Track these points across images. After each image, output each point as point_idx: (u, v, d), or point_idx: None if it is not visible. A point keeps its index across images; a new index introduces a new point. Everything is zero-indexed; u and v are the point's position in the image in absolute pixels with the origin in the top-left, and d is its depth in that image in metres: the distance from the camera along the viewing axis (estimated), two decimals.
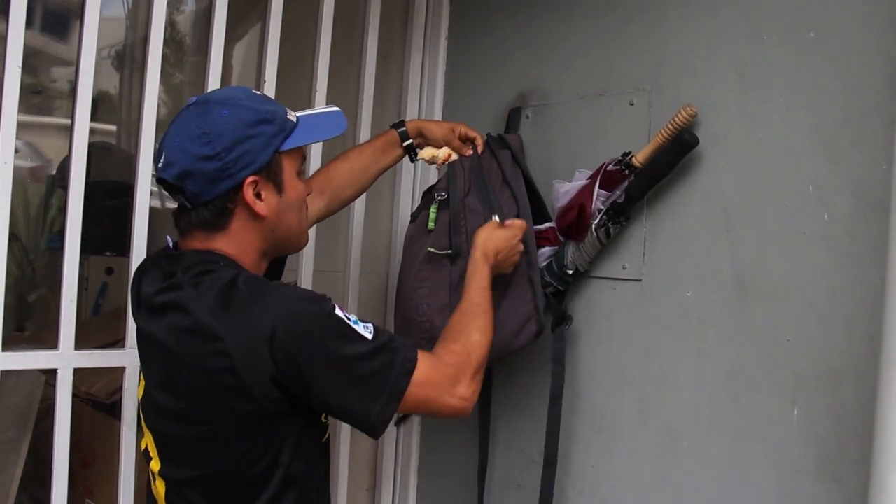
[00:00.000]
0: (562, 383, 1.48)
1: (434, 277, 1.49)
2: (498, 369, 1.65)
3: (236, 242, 1.14)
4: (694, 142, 1.28)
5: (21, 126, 1.44)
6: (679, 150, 1.30)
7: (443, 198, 1.53)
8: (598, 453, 1.46)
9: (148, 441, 1.17)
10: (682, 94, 1.34)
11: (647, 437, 1.38)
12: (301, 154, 1.21)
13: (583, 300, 1.51)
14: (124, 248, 1.71)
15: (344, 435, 1.86)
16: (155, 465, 1.16)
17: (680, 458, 1.32)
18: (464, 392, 1.13)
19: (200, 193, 1.10)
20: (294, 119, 1.18)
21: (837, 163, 1.14)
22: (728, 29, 1.29)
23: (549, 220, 1.51)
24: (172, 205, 1.20)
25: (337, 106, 1.29)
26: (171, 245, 1.18)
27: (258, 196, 1.12)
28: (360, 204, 1.86)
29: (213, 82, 1.66)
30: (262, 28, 1.76)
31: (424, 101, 1.93)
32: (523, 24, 1.68)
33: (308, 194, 1.25)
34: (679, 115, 1.29)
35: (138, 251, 1.60)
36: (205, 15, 2.16)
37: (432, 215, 1.53)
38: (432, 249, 1.49)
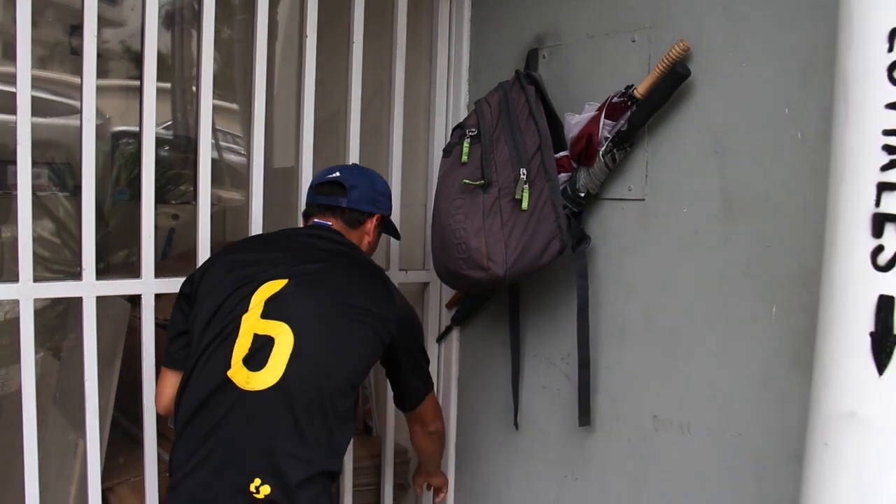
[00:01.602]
0: (587, 295, 1.66)
1: (468, 205, 1.67)
2: (525, 286, 1.85)
3: (357, 238, 1.65)
4: (686, 73, 1.44)
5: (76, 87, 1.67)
6: (673, 82, 1.45)
7: (473, 134, 1.71)
8: (610, 354, 1.66)
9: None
10: (676, 30, 1.48)
11: (651, 337, 1.57)
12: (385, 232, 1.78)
13: (596, 220, 1.69)
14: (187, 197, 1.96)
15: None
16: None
17: (679, 354, 1.51)
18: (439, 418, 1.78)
19: (357, 203, 1.63)
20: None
21: (809, 87, 1.28)
22: None
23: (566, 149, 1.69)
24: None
25: None
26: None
27: (376, 228, 1.67)
28: (397, 143, 2.06)
29: (261, 39, 1.85)
30: (302, 16, 1.95)
31: (453, 45, 2.09)
32: None
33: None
34: (673, 50, 1.44)
35: (204, 198, 1.84)
36: None
37: (465, 149, 1.71)
38: (467, 181, 1.67)
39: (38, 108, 1.79)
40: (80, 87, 1.70)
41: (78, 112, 1.72)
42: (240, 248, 1.63)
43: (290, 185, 2.10)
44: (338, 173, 1.66)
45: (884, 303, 0.94)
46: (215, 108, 1.87)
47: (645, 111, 1.50)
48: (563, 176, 1.66)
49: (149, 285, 1.78)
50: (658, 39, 1.52)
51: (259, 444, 1.37)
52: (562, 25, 1.76)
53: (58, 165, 4.04)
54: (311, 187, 1.70)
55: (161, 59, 1.75)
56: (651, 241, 1.56)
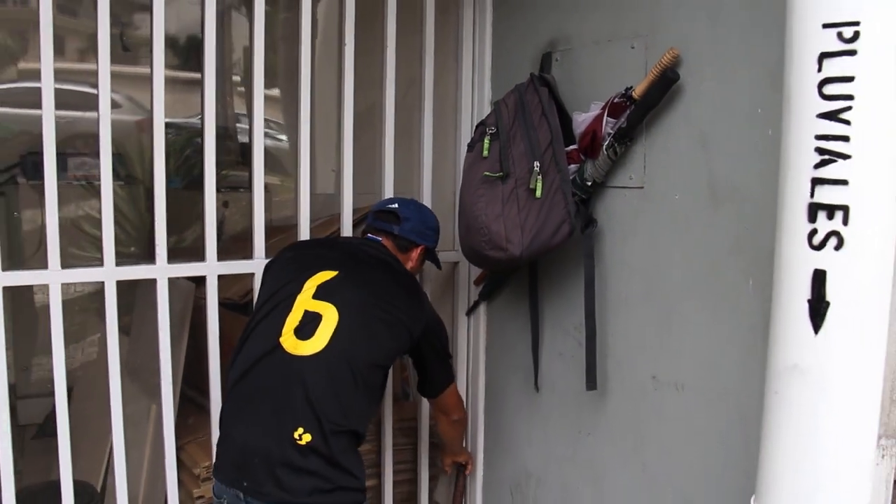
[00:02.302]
0: (593, 272, 1.89)
1: (489, 194, 1.90)
2: (542, 265, 2.07)
3: (405, 261, 1.97)
4: (675, 78, 1.64)
5: (116, 77, 1.92)
6: (664, 85, 1.66)
7: (493, 132, 1.93)
8: (615, 324, 1.88)
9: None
10: (669, 39, 1.68)
11: (650, 308, 1.78)
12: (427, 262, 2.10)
13: (601, 206, 1.90)
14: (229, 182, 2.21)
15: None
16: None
17: (674, 322, 1.73)
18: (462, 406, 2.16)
19: (406, 233, 1.96)
20: None
21: (776, 90, 1.47)
22: None
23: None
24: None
25: None
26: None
27: (419, 257, 2.00)
28: (428, 136, 2.29)
29: (305, 36, 2.09)
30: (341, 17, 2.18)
31: (476, 46, 2.31)
32: None
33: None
34: (664, 57, 1.65)
35: (258, 185, 2.09)
36: None
37: (486, 145, 1.94)
38: (487, 173, 1.90)
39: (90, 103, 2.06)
40: (149, 83, 1.97)
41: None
42: (303, 245, 1.98)
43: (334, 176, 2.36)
44: (396, 205, 2.01)
45: (817, 275, 1.15)
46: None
47: (641, 110, 1.71)
48: (573, 167, 1.88)
49: (212, 267, 2.05)
50: (653, 46, 1.72)
51: (301, 399, 1.63)
52: (571, 32, 1.97)
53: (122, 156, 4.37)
54: (371, 212, 2.04)
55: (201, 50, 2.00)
56: (649, 224, 1.78)
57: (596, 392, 1.89)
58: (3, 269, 1.81)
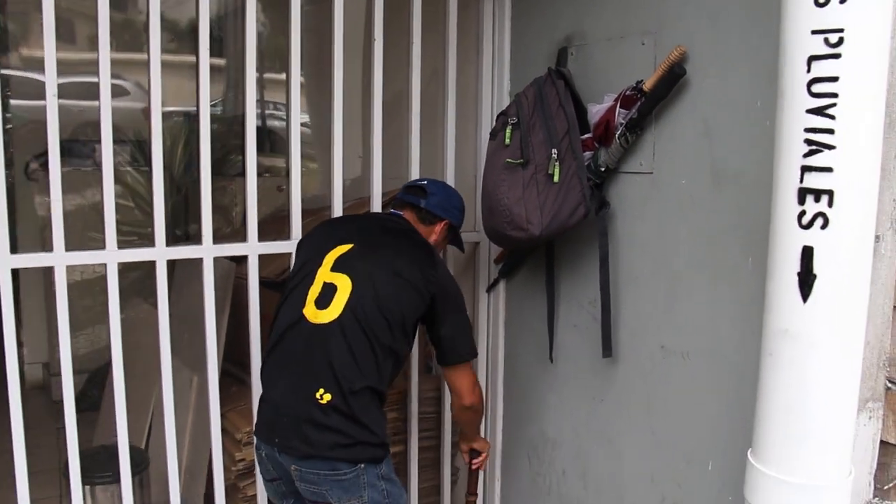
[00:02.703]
0: (607, 250, 2.05)
1: (511, 179, 2.06)
2: (558, 244, 2.24)
3: (425, 233, 2.10)
4: (682, 73, 1.79)
5: (122, 64, 2.06)
6: (672, 79, 1.81)
7: (514, 122, 2.09)
8: (626, 298, 2.04)
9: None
10: (676, 36, 1.83)
11: (658, 283, 1.95)
12: (452, 241, 2.22)
13: (615, 190, 2.06)
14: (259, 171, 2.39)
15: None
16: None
17: (680, 296, 1.89)
18: (476, 388, 2.10)
19: (431, 207, 2.10)
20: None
21: (775, 85, 1.63)
22: None
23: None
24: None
25: None
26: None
27: (442, 232, 2.12)
28: (451, 123, 2.45)
29: (338, 30, 2.26)
30: (369, 12, 2.34)
31: (496, 41, 2.46)
32: None
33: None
34: (672, 53, 1.80)
35: (295, 170, 2.25)
36: None
37: (508, 134, 2.10)
38: (509, 160, 2.07)
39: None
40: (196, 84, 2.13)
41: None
42: (327, 223, 2.13)
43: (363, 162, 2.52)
44: (426, 182, 2.16)
45: (806, 251, 1.31)
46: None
47: (651, 102, 1.87)
48: (588, 154, 2.04)
49: (254, 248, 2.22)
50: (662, 43, 1.88)
51: (322, 363, 1.83)
52: (586, 28, 2.12)
53: (145, 143, 4.54)
54: (402, 187, 2.21)
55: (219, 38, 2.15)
56: (657, 207, 1.94)
57: (608, 361, 2.07)
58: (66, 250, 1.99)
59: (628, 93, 1.92)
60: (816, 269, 1.30)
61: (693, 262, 1.85)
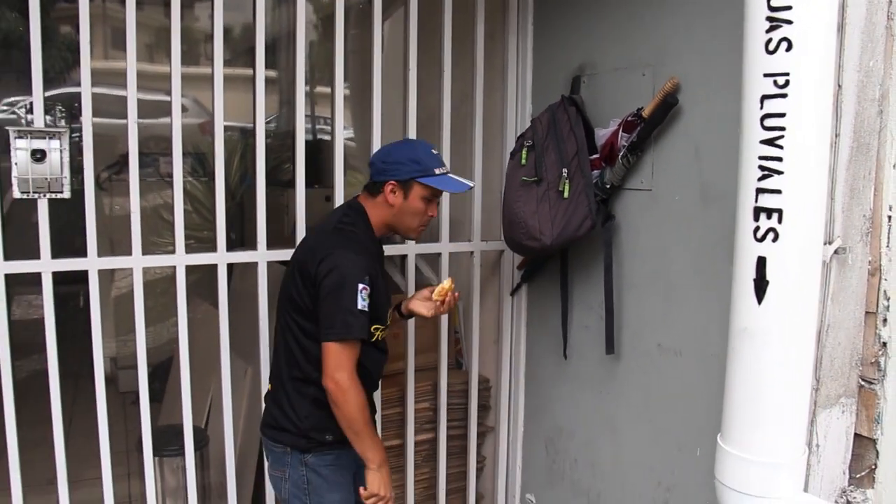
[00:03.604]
0: (611, 259, 2.29)
1: (526, 195, 2.32)
2: (571, 253, 2.48)
3: (375, 208, 2.08)
4: (674, 102, 2.03)
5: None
6: (666, 108, 2.05)
7: (529, 144, 2.35)
8: (628, 301, 2.28)
9: None
10: (671, 69, 2.07)
11: (656, 288, 2.18)
12: (433, 191, 2.05)
13: (619, 204, 2.30)
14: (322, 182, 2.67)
15: (476, 308, 2.79)
16: None
17: (674, 300, 2.12)
18: (341, 374, 1.93)
19: (373, 175, 2.08)
20: (441, 172, 2.05)
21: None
22: (695, 29, 2.00)
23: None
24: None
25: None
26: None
27: (392, 193, 2.03)
28: (478, 144, 2.71)
29: (377, 54, 2.54)
30: (405, 20, 2.62)
31: (518, 69, 2.72)
32: (583, 17, 2.43)
33: (430, 216, 2.09)
34: (666, 85, 2.04)
35: (339, 183, 2.54)
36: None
37: (524, 155, 2.36)
38: (525, 178, 2.33)
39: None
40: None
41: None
42: None
43: None
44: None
45: (760, 261, 1.53)
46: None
47: (649, 127, 2.10)
48: (596, 172, 2.28)
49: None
50: (659, 74, 2.11)
51: (272, 359, 2.20)
52: (596, 60, 2.37)
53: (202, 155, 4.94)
54: None
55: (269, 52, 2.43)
56: (655, 220, 2.17)
57: (613, 357, 2.30)
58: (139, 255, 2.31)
59: (630, 118, 2.16)
60: (769, 276, 1.53)
61: (686, 271, 2.08)
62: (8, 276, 2.18)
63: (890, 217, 1.90)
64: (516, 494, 2.91)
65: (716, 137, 1.96)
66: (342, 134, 2.58)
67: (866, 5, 1.81)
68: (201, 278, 3.38)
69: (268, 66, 2.48)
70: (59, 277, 2.27)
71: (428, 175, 2.03)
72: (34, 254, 2.21)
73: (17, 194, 2.23)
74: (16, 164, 2.23)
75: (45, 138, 2.25)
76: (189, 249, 2.40)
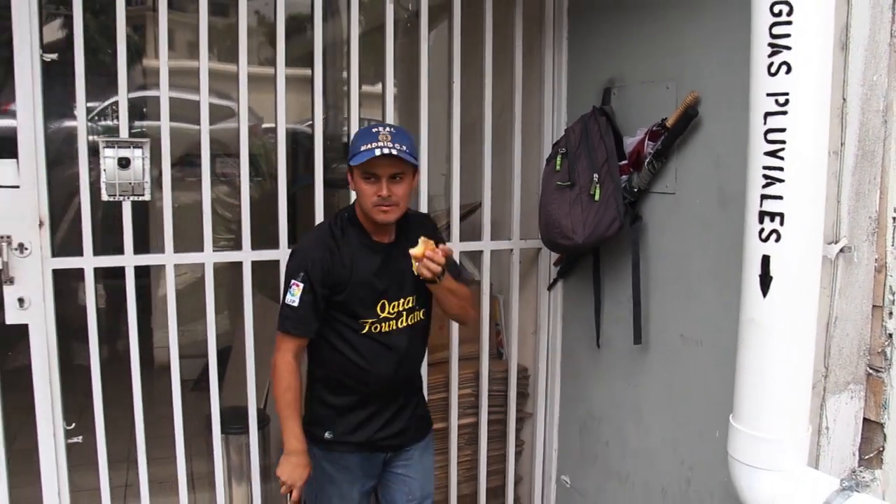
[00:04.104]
0: (638, 257, 2.48)
1: (560, 198, 2.53)
2: (603, 251, 2.67)
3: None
4: (694, 114, 2.22)
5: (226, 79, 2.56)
6: (687, 119, 2.24)
7: (563, 152, 2.56)
8: (654, 296, 2.47)
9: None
10: (692, 83, 2.26)
11: (679, 284, 2.37)
12: (363, 169, 2.05)
13: (646, 207, 2.49)
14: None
15: (515, 302, 3.01)
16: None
17: (695, 295, 2.31)
18: (275, 356, 2.17)
19: None
20: (366, 148, 2.02)
21: None
22: (714, 47, 2.19)
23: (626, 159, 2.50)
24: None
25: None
26: None
27: (351, 183, 2.13)
28: (517, 150, 2.93)
29: (424, 65, 2.76)
30: (450, 36, 2.84)
31: (554, 81, 2.93)
32: (613, 34, 2.63)
33: (379, 195, 2.05)
34: (687, 98, 2.23)
35: None
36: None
37: (558, 162, 2.57)
38: (559, 183, 2.54)
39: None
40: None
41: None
42: None
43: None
44: None
45: (764, 259, 1.72)
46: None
47: (672, 137, 2.30)
48: (624, 177, 2.48)
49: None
50: (682, 88, 2.30)
51: None
52: (625, 73, 2.57)
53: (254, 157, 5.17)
54: None
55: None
56: (678, 221, 2.36)
57: (640, 347, 2.50)
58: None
59: (655, 128, 2.35)
60: (773, 272, 1.72)
61: (705, 267, 2.27)
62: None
63: (895, 218, 2.07)
64: (552, 476, 3.12)
65: (732, 146, 2.14)
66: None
67: (869, 25, 1.98)
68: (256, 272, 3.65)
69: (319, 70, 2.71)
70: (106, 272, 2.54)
71: (353, 156, 2.08)
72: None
73: (104, 197, 2.51)
74: (104, 170, 2.51)
75: (129, 147, 2.52)
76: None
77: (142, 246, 2.59)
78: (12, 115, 2.38)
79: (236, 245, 2.73)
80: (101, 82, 2.99)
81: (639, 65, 2.50)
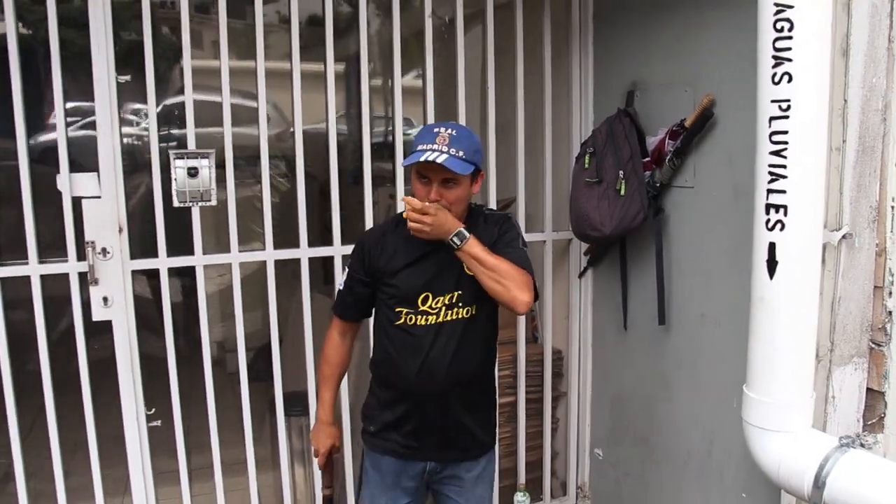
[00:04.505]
0: (661, 245, 2.72)
1: (589, 193, 2.78)
2: (628, 241, 2.91)
3: None
4: (710, 115, 2.45)
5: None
6: (704, 120, 2.47)
7: (591, 151, 2.80)
8: (676, 281, 2.71)
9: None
10: (708, 87, 2.49)
11: (698, 270, 2.61)
12: (416, 170, 2.04)
13: (668, 200, 2.73)
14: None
15: (548, 288, 3.27)
16: None
17: (713, 278, 2.55)
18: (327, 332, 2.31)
19: None
20: (422, 148, 2.01)
21: None
22: (728, 53, 2.41)
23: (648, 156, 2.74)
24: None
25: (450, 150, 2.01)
26: None
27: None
28: (549, 149, 3.18)
29: (461, 69, 3.01)
30: (483, 43, 3.09)
31: (581, 84, 3.17)
32: (635, 38, 2.86)
33: (432, 199, 2.01)
34: (704, 100, 2.46)
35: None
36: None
37: (587, 160, 2.82)
38: (588, 180, 2.78)
39: None
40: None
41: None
42: None
43: None
44: None
45: (771, 245, 1.96)
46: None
47: (690, 136, 2.53)
48: (647, 173, 2.72)
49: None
50: (699, 91, 2.53)
51: None
52: (646, 77, 2.80)
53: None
54: None
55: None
56: (697, 213, 2.60)
57: (664, 328, 2.74)
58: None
59: (675, 128, 2.59)
60: (778, 257, 1.95)
61: (721, 253, 2.51)
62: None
63: (893, 207, 2.29)
64: (586, 450, 3.38)
65: (743, 145, 2.35)
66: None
67: (868, 32, 2.20)
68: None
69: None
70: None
71: (409, 154, 2.07)
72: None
73: (175, 203, 2.78)
74: (175, 179, 2.78)
75: (197, 158, 2.80)
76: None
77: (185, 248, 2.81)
78: (52, 128, 2.62)
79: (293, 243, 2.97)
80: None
81: (659, 69, 2.74)
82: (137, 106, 5.06)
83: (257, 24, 2.76)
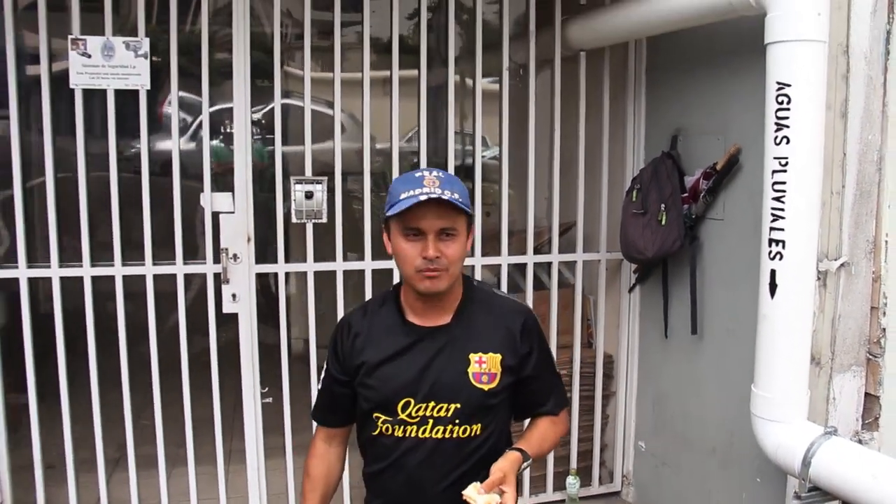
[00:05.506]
0: (695, 268, 3.22)
1: (636, 223, 3.29)
2: (670, 262, 3.41)
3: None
4: (735, 161, 2.95)
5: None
6: (731, 164, 2.97)
7: (638, 187, 3.32)
8: (708, 295, 3.20)
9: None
10: (735, 135, 2.98)
11: (726, 287, 3.09)
12: (404, 220, 1.62)
13: (702, 230, 3.22)
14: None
15: (602, 301, 3.79)
16: None
17: (738, 294, 3.03)
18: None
19: None
20: (408, 195, 1.60)
21: None
22: (752, 107, 2.89)
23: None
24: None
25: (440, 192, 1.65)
26: None
27: (388, 243, 1.73)
28: (605, 182, 3.71)
29: (532, 111, 3.58)
30: (551, 88, 3.65)
31: (635, 127, 3.68)
32: (680, 91, 3.38)
33: (424, 256, 1.61)
34: (731, 149, 2.97)
35: (505, 200, 3.60)
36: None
37: (634, 195, 3.34)
38: (635, 211, 3.30)
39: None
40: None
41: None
42: None
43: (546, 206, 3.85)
44: None
45: (772, 272, 2.44)
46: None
47: (720, 177, 3.03)
48: (685, 207, 3.22)
49: (476, 260, 3.58)
50: (729, 139, 3.02)
51: None
52: (687, 125, 3.31)
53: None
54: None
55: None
56: (726, 241, 3.09)
57: (697, 336, 3.24)
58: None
59: (708, 170, 3.09)
60: (778, 281, 2.45)
61: (745, 276, 2.98)
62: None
63: (887, 241, 2.74)
64: (631, 442, 3.87)
65: (762, 187, 2.84)
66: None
67: (864, 98, 2.66)
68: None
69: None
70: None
71: (392, 205, 1.65)
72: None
73: (293, 220, 3.42)
74: (294, 200, 3.43)
75: (312, 183, 3.43)
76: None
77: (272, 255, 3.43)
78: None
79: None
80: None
81: (697, 118, 3.25)
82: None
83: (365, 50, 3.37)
